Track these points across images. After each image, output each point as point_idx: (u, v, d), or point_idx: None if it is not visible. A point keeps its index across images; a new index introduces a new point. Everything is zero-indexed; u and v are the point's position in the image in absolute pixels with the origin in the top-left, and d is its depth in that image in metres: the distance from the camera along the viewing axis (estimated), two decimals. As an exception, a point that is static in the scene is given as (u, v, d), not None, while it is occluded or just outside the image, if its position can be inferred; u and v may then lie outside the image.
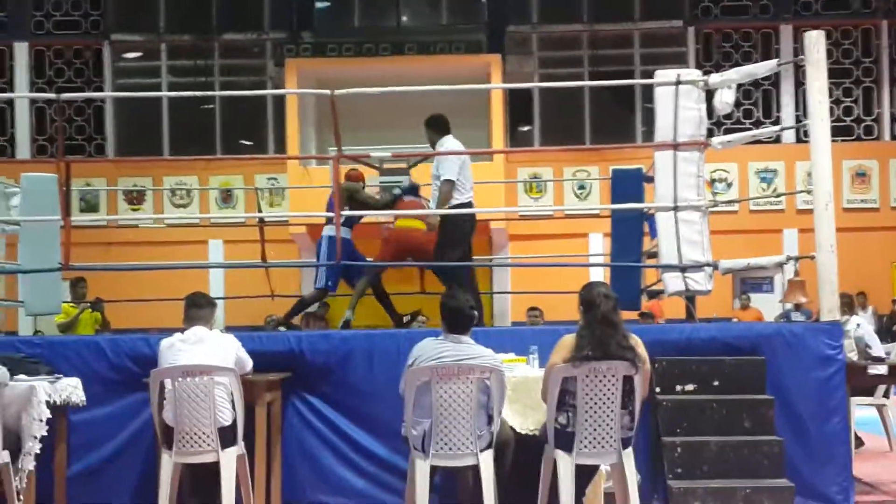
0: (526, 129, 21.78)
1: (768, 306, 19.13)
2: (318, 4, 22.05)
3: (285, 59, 20.72)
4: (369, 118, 18.31)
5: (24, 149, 21.42)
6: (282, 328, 10.53)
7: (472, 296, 7.43)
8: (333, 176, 9.04)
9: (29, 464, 6.88)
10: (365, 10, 21.96)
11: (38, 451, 6.93)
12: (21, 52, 21.60)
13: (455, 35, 21.08)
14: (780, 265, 8.59)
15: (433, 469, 6.57)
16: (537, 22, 21.78)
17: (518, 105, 21.54)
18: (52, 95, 10.01)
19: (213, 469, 6.93)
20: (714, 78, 8.54)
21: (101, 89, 21.44)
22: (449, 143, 9.82)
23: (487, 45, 21.08)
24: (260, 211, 17.69)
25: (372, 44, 20.82)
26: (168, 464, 6.92)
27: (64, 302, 11.97)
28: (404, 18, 22.05)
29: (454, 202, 9.48)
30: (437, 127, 10.03)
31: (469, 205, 9.62)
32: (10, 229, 12.26)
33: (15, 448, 6.86)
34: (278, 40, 21.50)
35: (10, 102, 21.59)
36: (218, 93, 21.33)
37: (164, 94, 22.04)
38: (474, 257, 17.37)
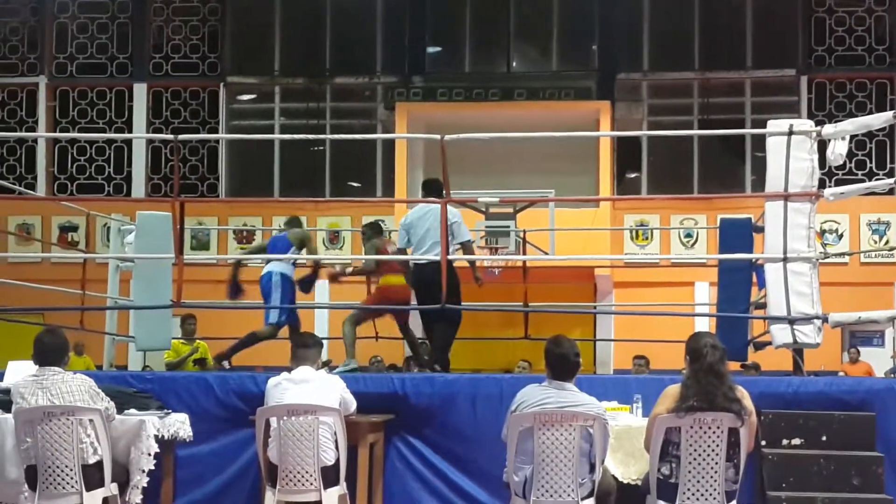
0: (633, 175, 21.67)
1: (879, 360, 18.73)
2: (430, 49, 22.28)
3: (395, 102, 20.91)
4: (477, 162, 18.40)
5: (139, 187, 21.87)
6: (225, 363, 10.67)
7: None
8: (441, 220, 9.09)
9: (136, 497, 7.04)
10: (475, 56, 22.11)
11: (146, 485, 7.07)
12: (140, 93, 22.11)
13: (565, 81, 21.08)
14: (893, 319, 8.44)
15: (534, 516, 6.54)
16: (648, 69, 21.70)
17: (626, 152, 21.43)
18: (169, 136, 10.25)
19: (316, 509, 6.99)
20: (828, 129, 8.44)
21: (215, 130, 21.81)
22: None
23: (597, 91, 21.04)
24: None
25: (482, 89, 20.91)
26: (271, 501, 6.99)
27: (173, 338, 12.19)
28: (514, 64, 22.15)
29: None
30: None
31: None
32: (125, 265, 12.57)
33: (123, 481, 7.02)
34: (389, 84, 21.72)
35: (128, 142, 22.08)
36: (328, 136, 21.58)
37: (276, 136, 22.38)
38: (579, 303, 17.39)
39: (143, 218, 11.27)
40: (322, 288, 19.72)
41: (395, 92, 21.27)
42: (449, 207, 9.61)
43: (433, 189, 10.16)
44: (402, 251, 10.14)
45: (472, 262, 10.26)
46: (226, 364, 10.69)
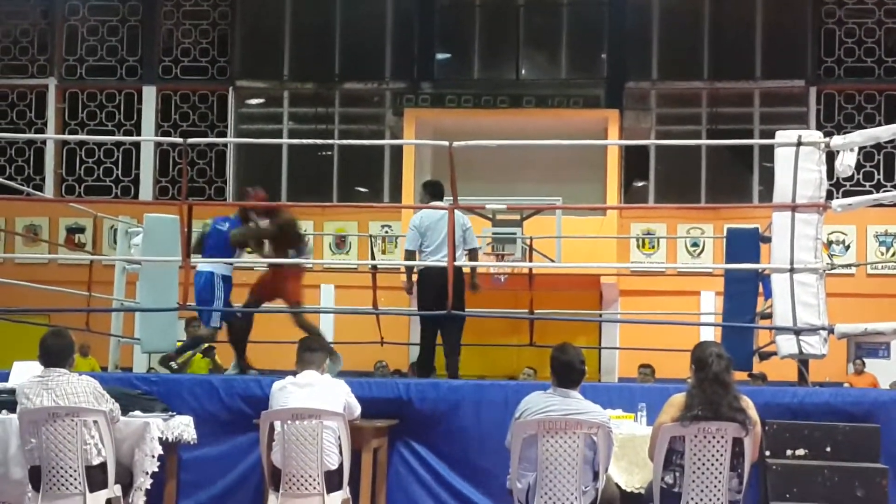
0: (641, 184, 21.66)
1: (884, 372, 18.69)
2: (439, 56, 22.30)
3: (404, 108, 20.92)
4: (485, 169, 18.40)
5: (147, 190, 21.89)
6: (173, 364, 10.58)
7: None
8: (448, 226, 9.09)
9: (139, 499, 7.04)
10: (484, 63, 22.13)
11: (149, 487, 7.08)
12: (149, 96, 22.14)
13: (573, 89, 21.09)
14: (899, 331, 8.42)
15: (536, 523, 6.54)
16: (657, 78, 21.69)
17: (634, 160, 21.43)
18: (178, 140, 10.25)
19: (319, 513, 6.98)
20: (836, 140, 8.43)
21: (224, 134, 21.85)
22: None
23: (606, 99, 21.05)
24: (373, 258, 17.84)
25: (490, 96, 20.92)
26: (274, 505, 6.99)
27: (178, 341, 12.20)
28: (523, 71, 22.15)
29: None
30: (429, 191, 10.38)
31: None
32: (132, 268, 12.59)
33: (126, 483, 7.03)
34: (398, 90, 21.72)
35: (137, 144, 22.11)
36: (336, 141, 21.58)
37: (285, 141, 22.38)
38: (584, 311, 17.36)
39: (150, 220, 11.29)
40: (327, 292, 19.83)
41: (403, 98, 21.28)
42: (461, 213, 9.63)
43: (436, 191, 10.17)
44: (412, 252, 10.12)
45: (473, 269, 10.26)
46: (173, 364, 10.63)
